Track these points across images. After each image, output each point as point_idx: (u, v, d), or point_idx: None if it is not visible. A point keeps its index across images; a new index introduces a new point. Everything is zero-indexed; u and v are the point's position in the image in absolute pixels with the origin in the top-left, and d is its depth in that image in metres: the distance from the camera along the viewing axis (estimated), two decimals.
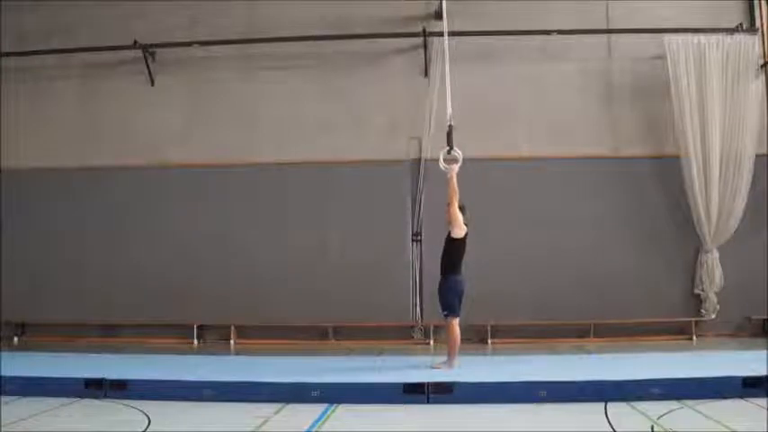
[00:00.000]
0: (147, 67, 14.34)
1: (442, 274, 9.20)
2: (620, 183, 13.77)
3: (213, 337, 13.96)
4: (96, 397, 7.99)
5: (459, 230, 9.04)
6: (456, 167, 9.02)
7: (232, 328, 13.75)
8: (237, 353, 12.65)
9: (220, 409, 7.43)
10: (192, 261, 13.90)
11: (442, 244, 9.28)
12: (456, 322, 9.13)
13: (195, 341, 13.68)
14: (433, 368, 9.00)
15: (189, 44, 14.19)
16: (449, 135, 9.24)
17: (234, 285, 13.67)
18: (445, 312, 9.15)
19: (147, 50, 14.26)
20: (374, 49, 14.27)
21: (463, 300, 9.21)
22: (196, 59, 14.42)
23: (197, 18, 14.43)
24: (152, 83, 14.42)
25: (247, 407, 7.43)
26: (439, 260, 9.29)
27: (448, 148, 9.20)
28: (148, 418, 6.92)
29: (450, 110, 9.34)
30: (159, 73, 14.48)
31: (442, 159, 9.25)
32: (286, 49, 14.19)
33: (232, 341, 13.67)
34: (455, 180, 8.99)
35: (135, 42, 14.03)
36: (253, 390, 7.91)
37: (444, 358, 9.27)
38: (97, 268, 14.02)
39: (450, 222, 9.06)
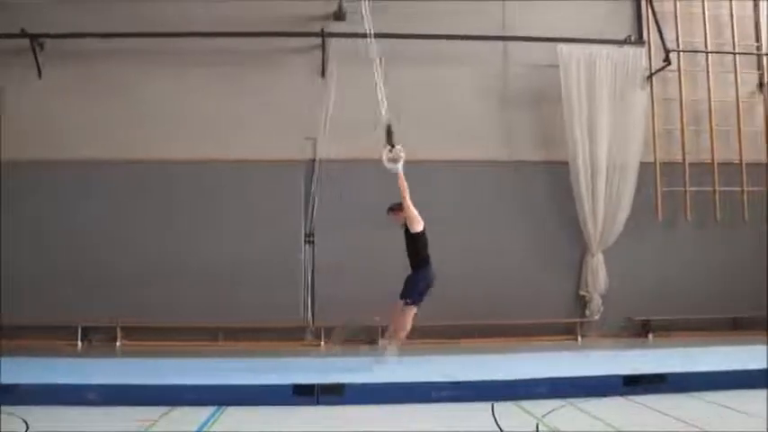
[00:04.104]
0: (36, 58, 13.71)
1: (413, 268, 9.21)
2: (515, 186, 14.04)
3: (99, 338, 13.44)
4: None
5: (419, 225, 9.09)
6: (401, 165, 8.96)
7: (118, 329, 13.30)
8: (124, 355, 12.30)
9: (105, 414, 7.16)
10: (78, 259, 13.36)
11: (404, 241, 9.32)
12: (413, 311, 9.18)
13: (79, 343, 13.18)
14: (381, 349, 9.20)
15: (83, 35, 13.60)
16: (388, 133, 9.13)
17: (122, 285, 13.19)
18: (408, 300, 9.13)
19: (36, 41, 13.62)
20: (272, 48, 14.08)
21: (429, 292, 9.24)
22: (93, 52, 13.86)
23: (94, 10, 13.81)
24: (39, 75, 13.82)
25: (133, 410, 7.18)
26: (407, 257, 9.33)
27: (390, 146, 9.07)
28: (27, 425, 6.61)
29: (385, 105, 9.24)
30: (49, 65, 13.85)
31: (385, 158, 9.10)
32: (182, 45, 13.85)
33: (118, 342, 13.24)
34: (403, 176, 8.93)
35: (22, 31, 13.42)
36: (139, 393, 7.67)
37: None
38: None
39: (407, 219, 9.00)
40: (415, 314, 9.42)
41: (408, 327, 9.34)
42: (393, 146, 9.12)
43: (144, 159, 13.60)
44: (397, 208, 9.14)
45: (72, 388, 7.78)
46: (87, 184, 13.59)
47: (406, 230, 9.20)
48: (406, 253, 9.32)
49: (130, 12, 13.91)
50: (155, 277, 13.37)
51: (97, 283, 13.21)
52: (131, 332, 13.38)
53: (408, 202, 9.01)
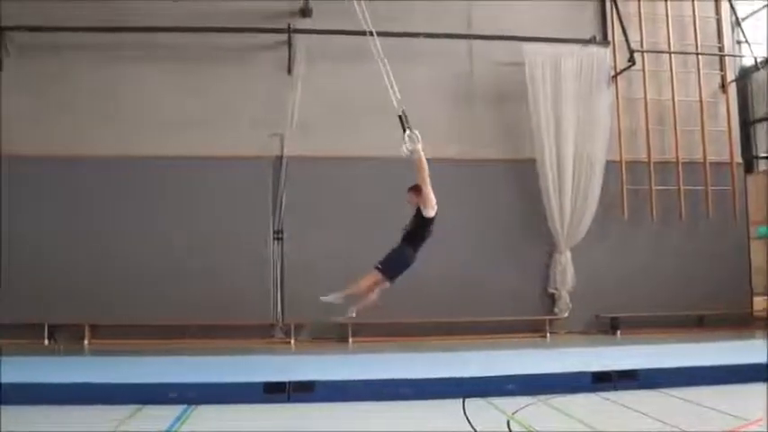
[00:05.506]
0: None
1: (404, 242, 8.70)
2: (479, 185, 14.07)
3: (66, 336, 13.21)
4: None
5: (432, 210, 8.76)
6: (420, 146, 8.73)
7: (86, 327, 13.09)
8: (92, 353, 12.10)
9: (73, 413, 7.05)
10: (43, 257, 13.13)
11: (411, 221, 8.75)
12: (379, 278, 8.62)
13: (46, 341, 12.94)
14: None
15: (48, 29, 13.40)
16: (402, 119, 8.96)
17: (89, 283, 13.03)
18: (380, 268, 8.58)
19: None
20: (239, 44, 14.03)
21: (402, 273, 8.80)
22: (54, 46, 13.66)
23: (56, 2, 13.59)
24: (0, 67, 13.57)
25: (101, 409, 7.08)
26: (404, 232, 8.74)
27: (408, 131, 8.86)
28: None
29: (398, 95, 9.12)
30: (10, 57, 13.58)
31: (405, 143, 8.83)
32: (148, 40, 13.77)
33: (86, 341, 13.03)
34: (424, 158, 8.72)
35: None
36: (107, 392, 7.56)
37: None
38: None
39: (423, 202, 8.73)
40: (379, 284, 8.93)
41: (363, 287, 8.82)
42: (411, 130, 8.91)
43: (108, 156, 13.42)
44: (417, 188, 8.86)
45: (40, 387, 7.66)
46: (49, 181, 13.37)
47: (418, 213, 8.92)
48: (405, 230, 9.00)
49: (100, 7, 13.72)
50: (122, 275, 13.23)
51: (64, 282, 12.99)
52: (99, 330, 13.20)
53: (427, 186, 8.67)
